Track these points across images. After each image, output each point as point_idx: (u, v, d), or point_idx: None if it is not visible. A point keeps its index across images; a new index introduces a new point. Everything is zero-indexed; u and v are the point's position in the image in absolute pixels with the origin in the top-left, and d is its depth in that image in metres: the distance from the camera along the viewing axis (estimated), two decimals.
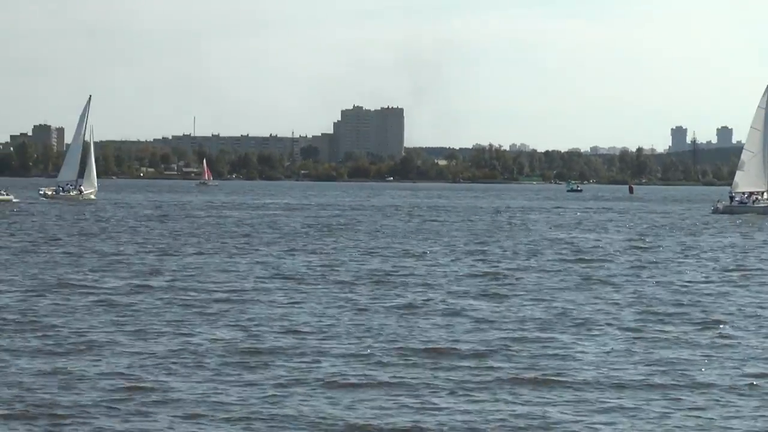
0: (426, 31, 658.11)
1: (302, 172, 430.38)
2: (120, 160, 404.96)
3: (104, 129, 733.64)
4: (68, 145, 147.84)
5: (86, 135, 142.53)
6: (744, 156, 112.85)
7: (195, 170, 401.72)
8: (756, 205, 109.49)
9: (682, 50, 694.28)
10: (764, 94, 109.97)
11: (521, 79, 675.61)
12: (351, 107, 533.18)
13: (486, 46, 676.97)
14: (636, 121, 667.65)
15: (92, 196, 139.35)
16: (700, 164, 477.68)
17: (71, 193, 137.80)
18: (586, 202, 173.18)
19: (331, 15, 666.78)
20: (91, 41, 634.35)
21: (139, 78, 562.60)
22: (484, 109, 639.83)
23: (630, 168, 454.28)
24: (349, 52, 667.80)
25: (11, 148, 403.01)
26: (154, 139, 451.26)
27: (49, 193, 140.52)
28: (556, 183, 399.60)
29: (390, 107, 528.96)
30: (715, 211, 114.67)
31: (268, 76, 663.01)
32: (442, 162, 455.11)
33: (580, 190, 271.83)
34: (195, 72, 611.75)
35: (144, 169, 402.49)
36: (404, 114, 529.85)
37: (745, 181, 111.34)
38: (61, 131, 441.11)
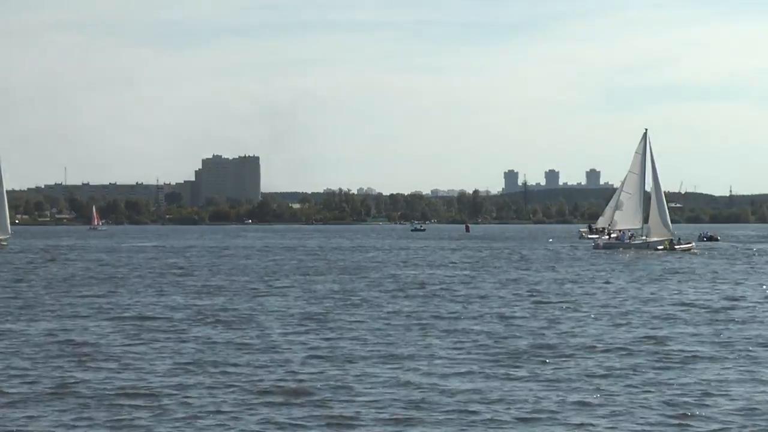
0: (281, 83, 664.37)
1: (167, 216, 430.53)
2: None
3: None
4: None
5: None
6: (623, 197, 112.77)
7: (67, 216, 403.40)
8: (633, 242, 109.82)
9: (512, 101, 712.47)
10: (641, 140, 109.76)
11: (368, 127, 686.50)
12: (211, 156, 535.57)
13: (336, 97, 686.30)
14: (472, 166, 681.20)
15: (4, 243, 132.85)
16: (530, 204, 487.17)
17: None
18: (427, 241, 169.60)
19: (193, 71, 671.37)
20: None
21: (11, 129, 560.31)
22: (334, 156, 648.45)
23: (467, 208, 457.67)
24: (210, 104, 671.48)
25: None
26: (28, 188, 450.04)
27: None
28: (401, 223, 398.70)
29: (247, 156, 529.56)
30: (596, 247, 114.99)
31: (133, 127, 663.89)
32: (296, 205, 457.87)
33: (423, 230, 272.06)
34: (65, 124, 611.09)
35: (19, 216, 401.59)
36: (260, 161, 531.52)
37: (623, 220, 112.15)
38: None
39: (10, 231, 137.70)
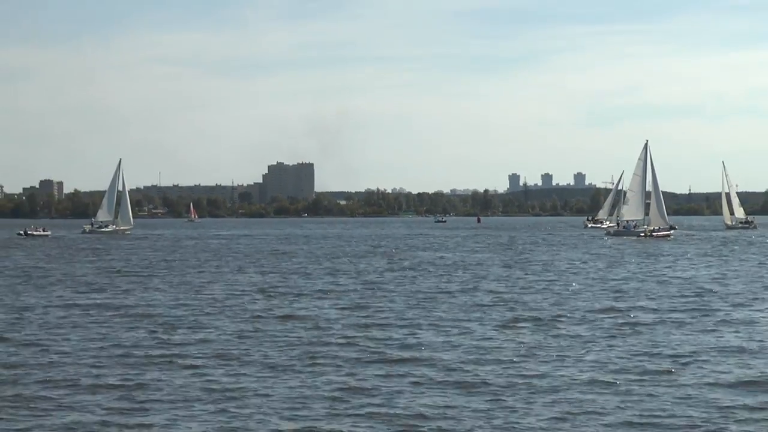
0: (328, 105, 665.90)
1: (240, 211, 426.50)
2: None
3: (90, 182, 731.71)
4: (104, 193, 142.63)
5: (119, 186, 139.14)
6: (628, 194, 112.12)
7: (161, 211, 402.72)
8: (636, 230, 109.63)
9: (515, 118, 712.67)
10: (643, 148, 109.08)
11: (399, 139, 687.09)
12: (275, 163, 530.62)
13: (373, 115, 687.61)
14: (483, 169, 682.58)
15: (128, 232, 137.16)
16: (530, 201, 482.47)
17: (107, 228, 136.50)
18: (451, 230, 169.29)
19: (259, 96, 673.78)
20: (79, 118, 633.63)
21: (119, 141, 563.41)
22: (372, 162, 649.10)
23: (479, 204, 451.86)
24: (273, 122, 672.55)
25: (23, 198, 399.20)
26: (130, 189, 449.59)
27: (87, 229, 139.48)
28: (426, 216, 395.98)
29: (303, 162, 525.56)
30: (608, 234, 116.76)
31: (213, 140, 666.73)
32: (343, 202, 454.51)
33: (445, 221, 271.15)
34: (161, 138, 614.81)
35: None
36: (314, 167, 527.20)
37: (628, 213, 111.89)
38: (60, 184, 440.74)
39: (132, 223, 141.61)
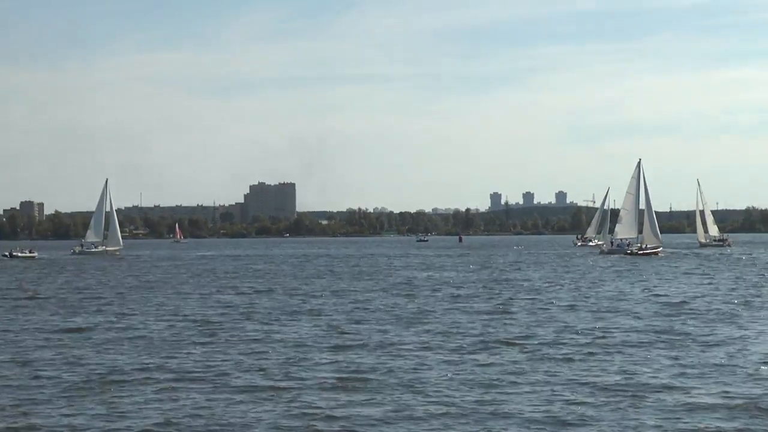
0: (310, 124, 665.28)
1: (222, 231, 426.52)
2: (85, 225, 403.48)
3: (71, 203, 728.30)
4: (92, 214, 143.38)
5: (107, 206, 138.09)
6: (622, 213, 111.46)
7: (142, 232, 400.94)
8: (630, 247, 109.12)
9: (496, 137, 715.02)
10: (636, 167, 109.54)
11: (380, 159, 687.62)
12: (256, 183, 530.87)
13: (356, 135, 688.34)
14: (464, 189, 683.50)
15: (117, 253, 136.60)
16: (511, 219, 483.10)
17: (97, 249, 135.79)
18: (434, 250, 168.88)
19: (240, 115, 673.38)
20: (60, 138, 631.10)
21: (99, 162, 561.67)
22: (354, 182, 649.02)
23: (461, 223, 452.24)
24: (255, 141, 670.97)
25: (3, 219, 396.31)
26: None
27: (77, 250, 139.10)
28: (408, 235, 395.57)
29: (285, 182, 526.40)
30: (601, 252, 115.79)
31: (194, 160, 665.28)
32: (324, 222, 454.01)
33: (427, 240, 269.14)
34: (141, 158, 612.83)
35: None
36: (296, 187, 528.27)
37: (622, 231, 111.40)
38: (41, 206, 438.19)
39: (121, 243, 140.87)
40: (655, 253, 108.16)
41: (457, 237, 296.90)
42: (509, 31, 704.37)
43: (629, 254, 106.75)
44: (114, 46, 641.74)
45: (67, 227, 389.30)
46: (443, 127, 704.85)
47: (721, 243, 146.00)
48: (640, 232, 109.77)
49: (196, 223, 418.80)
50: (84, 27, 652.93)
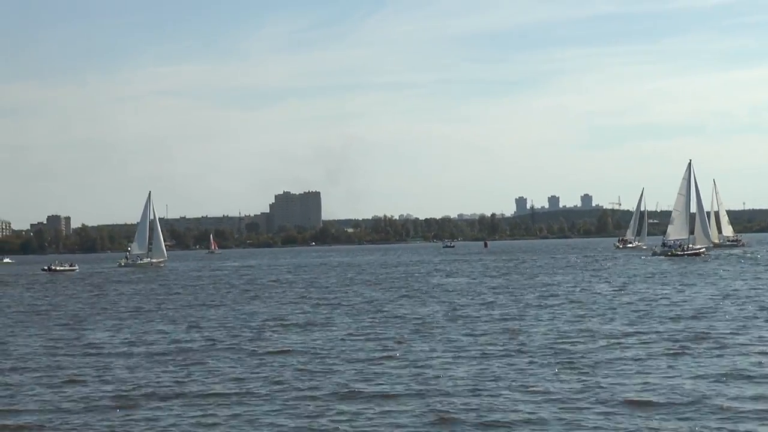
0: (334, 132, 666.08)
1: (248, 241, 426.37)
2: (112, 238, 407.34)
3: (97, 216, 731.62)
4: (137, 225, 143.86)
5: (150, 218, 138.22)
6: (673, 214, 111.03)
7: (168, 243, 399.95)
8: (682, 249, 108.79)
9: (519, 141, 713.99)
10: (687, 168, 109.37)
11: (404, 165, 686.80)
12: (281, 192, 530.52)
13: (379, 142, 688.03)
14: (489, 193, 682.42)
15: (161, 265, 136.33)
16: (537, 224, 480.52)
17: (142, 261, 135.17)
18: (457, 255, 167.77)
19: (265, 125, 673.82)
20: (85, 152, 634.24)
21: (125, 175, 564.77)
22: (379, 189, 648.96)
23: (486, 228, 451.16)
24: (279, 151, 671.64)
25: (31, 233, 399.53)
26: (137, 222, 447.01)
27: (123, 263, 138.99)
28: (434, 242, 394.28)
29: (310, 191, 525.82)
30: (654, 254, 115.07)
31: (220, 171, 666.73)
32: (350, 230, 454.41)
33: (453, 246, 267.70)
34: (167, 169, 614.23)
35: (130, 244, 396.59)
36: (321, 195, 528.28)
37: (674, 232, 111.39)
38: (68, 219, 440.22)
39: (165, 255, 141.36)
40: (699, 254, 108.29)
41: (483, 242, 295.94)
42: (530, 34, 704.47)
43: (669, 254, 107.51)
44: (135, 59, 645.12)
45: (93, 240, 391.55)
46: (466, 132, 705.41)
47: (735, 243, 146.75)
48: (692, 232, 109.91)
49: (222, 233, 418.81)
50: (105, 41, 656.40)
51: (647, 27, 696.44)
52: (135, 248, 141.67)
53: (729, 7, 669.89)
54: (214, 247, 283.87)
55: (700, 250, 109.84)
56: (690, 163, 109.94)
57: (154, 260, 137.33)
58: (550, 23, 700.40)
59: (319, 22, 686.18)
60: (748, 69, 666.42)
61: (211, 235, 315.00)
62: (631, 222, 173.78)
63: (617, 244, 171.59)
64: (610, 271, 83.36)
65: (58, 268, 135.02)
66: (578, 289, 59.67)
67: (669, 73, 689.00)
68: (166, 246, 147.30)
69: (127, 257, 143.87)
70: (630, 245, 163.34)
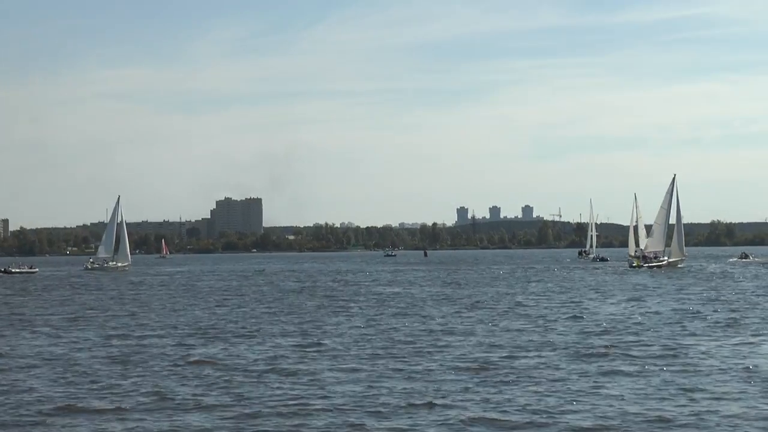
0: (277, 138, 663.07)
1: (188, 247, 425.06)
2: (51, 241, 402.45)
3: (37, 218, 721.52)
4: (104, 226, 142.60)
5: (117, 222, 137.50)
6: (654, 227, 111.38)
7: None
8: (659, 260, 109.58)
9: (462, 151, 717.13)
10: (671, 182, 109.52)
11: (350, 173, 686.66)
12: (223, 198, 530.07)
13: (324, 149, 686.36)
14: (430, 203, 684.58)
15: (126, 268, 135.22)
16: (478, 234, 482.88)
17: (108, 265, 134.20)
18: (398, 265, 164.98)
19: (207, 130, 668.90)
20: (24, 154, 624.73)
21: (64, 178, 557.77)
22: (323, 196, 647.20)
23: (428, 237, 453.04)
24: (221, 157, 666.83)
25: None
26: (77, 226, 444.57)
27: (89, 266, 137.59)
28: (375, 250, 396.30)
29: (251, 197, 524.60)
30: (631, 266, 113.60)
31: (161, 176, 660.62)
32: (291, 237, 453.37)
33: (395, 255, 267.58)
34: (108, 174, 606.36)
35: (69, 248, 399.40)
36: (262, 202, 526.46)
37: (652, 244, 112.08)
38: (5, 222, 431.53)
39: (130, 259, 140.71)
40: (662, 266, 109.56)
41: (423, 252, 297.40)
42: (475, 45, 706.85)
43: (635, 267, 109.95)
44: (79, 61, 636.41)
45: (32, 243, 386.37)
46: (411, 141, 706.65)
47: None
48: (668, 245, 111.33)
49: (162, 238, 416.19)
50: (50, 43, 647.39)
51: (591, 40, 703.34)
52: (102, 251, 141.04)
53: (671, 23, 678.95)
54: (166, 252, 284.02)
55: (671, 261, 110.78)
56: (674, 178, 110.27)
57: (119, 264, 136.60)
58: (494, 34, 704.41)
59: (265, 29, 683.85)
60: (687, 84, 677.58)
61: (163, 240, 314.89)
62: (589, 234, 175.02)
63: (583, 254, 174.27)
64: (617, 287, 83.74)
65: (15, 270, 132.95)
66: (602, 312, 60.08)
67: (612, 87, 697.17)
68: None
69: (93, 260, 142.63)
70: (590, 256, 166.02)
